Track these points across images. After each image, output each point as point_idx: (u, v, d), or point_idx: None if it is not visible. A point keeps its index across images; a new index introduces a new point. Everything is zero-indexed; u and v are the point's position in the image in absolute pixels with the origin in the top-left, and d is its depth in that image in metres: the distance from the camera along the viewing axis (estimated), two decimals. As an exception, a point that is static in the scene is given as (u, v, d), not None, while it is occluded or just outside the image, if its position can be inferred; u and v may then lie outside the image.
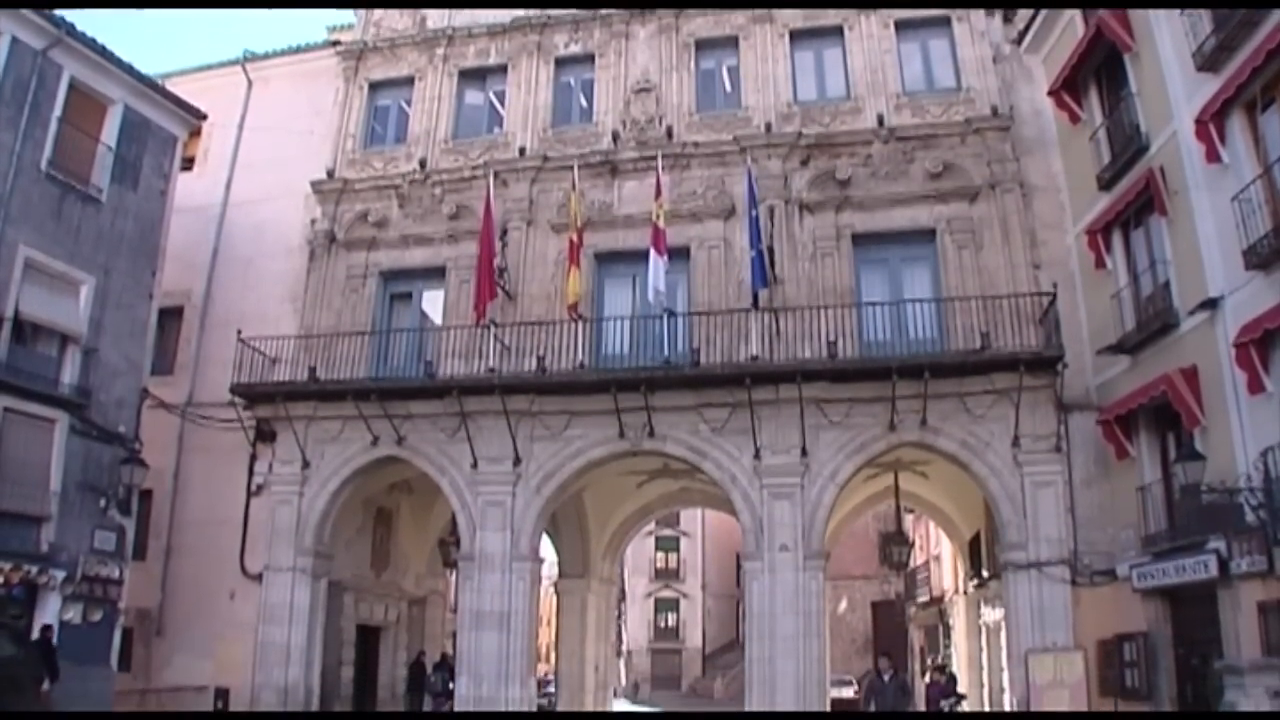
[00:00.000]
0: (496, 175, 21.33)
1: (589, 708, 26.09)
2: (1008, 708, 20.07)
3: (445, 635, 26.05)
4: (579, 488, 22.38)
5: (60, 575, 17.47)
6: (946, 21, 21.29)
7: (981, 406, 17.95)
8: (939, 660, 24.97)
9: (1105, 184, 17.73)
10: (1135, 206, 16.87)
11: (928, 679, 21.62)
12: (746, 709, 18.00)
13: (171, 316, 22.44)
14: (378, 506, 23.96)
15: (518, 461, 19.63)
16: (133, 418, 19.72)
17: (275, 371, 20.69)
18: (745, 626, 21.41)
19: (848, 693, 34.57)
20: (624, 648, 52.74)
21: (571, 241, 19.36)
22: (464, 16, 23.85)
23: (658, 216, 18.89)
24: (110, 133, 19.71)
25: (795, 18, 21.93)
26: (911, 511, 31.34)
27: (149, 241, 20.37)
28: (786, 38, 21.85)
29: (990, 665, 24.45)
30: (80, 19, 18.67)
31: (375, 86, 24.09)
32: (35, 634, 16.19)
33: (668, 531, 56.79)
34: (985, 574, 22.74)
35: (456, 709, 19.02)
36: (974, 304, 18.07)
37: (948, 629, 30.19)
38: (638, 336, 19.87)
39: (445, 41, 23.67)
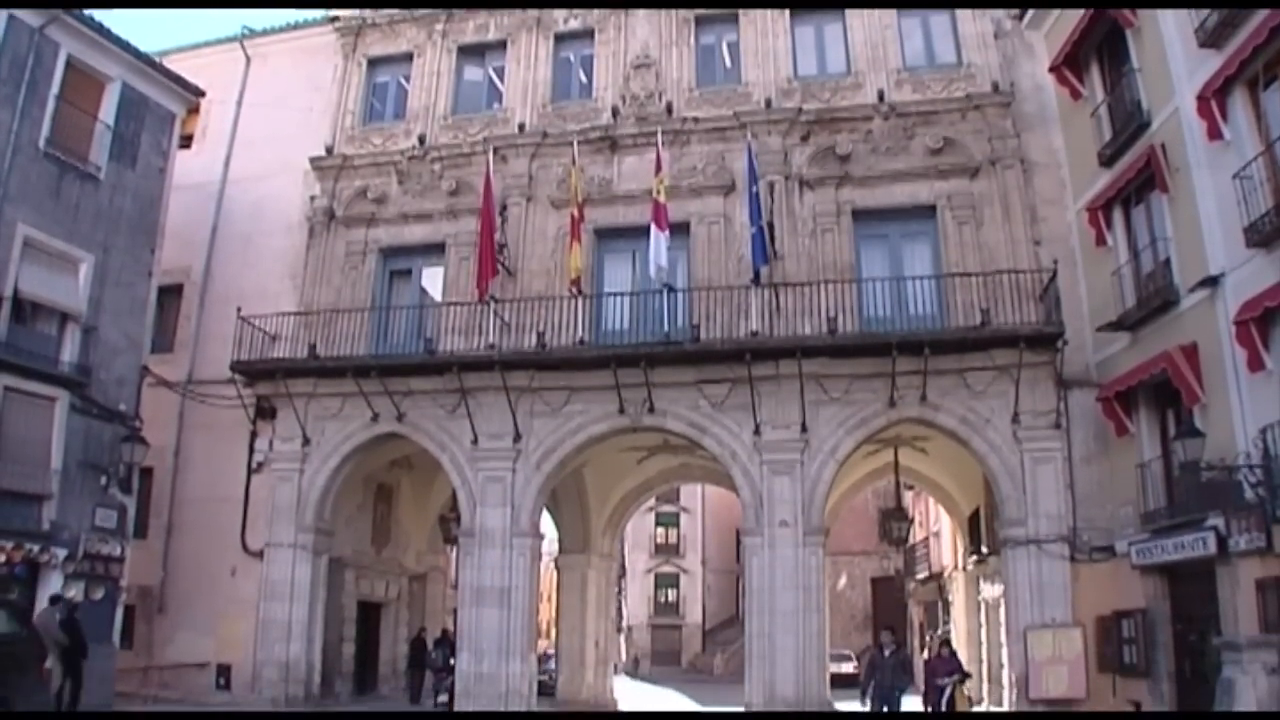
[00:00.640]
0: (496, 151, 21.27)
1: (589, 683, 26.26)
2: (1007, 684, 20.09)
3: (446, 611, 26.21)
4: (579, 464, 22.45)
5: (62, 553, 17.55)
6: (948, -4, 21.11)
7: (981, 383, 17.97)
8: (942, 633, 24.73)
9: (1106, 160, 17.66)
10: (1136, 183, 16.80)
11: (926, 654, 21.49)
12: (746, 684, 18.12)
13: (171, 294, 22.44)
14: (378, 483, 24.07)
15: (518, 438, 19.68)
16: (133, 395, 19.74)
17: (275, 348, 20.78)
18: (745, 602, 21.47)
19: (847, 668, 34.79)
20: (624, 623, 52.82)
21: (573, 216, 19.32)
22: (463, -9, 23.68)
23: (658, 191, 18.83)
24: (108, 110, 19.62)
25: (796, -8, 21.77)
26: (911, 488, 31.47)
27: (148, 219, 20.33)
28: (787, 13, 21.69)
29: (989, 641, 24.54)
30: (79, -2, 18.58)
31: (374, 63, 23.99)
32: (60, 613, 15.91)
33: (668, 507, 56.76)
34: (985, 550, 22.80)
35: (457, 685, 19.14)
36: (974, 280, 18.01)
37: (947, 605, 30.30)
38: (638, 312, 19.89)
39: (444, 17, 23.53)
